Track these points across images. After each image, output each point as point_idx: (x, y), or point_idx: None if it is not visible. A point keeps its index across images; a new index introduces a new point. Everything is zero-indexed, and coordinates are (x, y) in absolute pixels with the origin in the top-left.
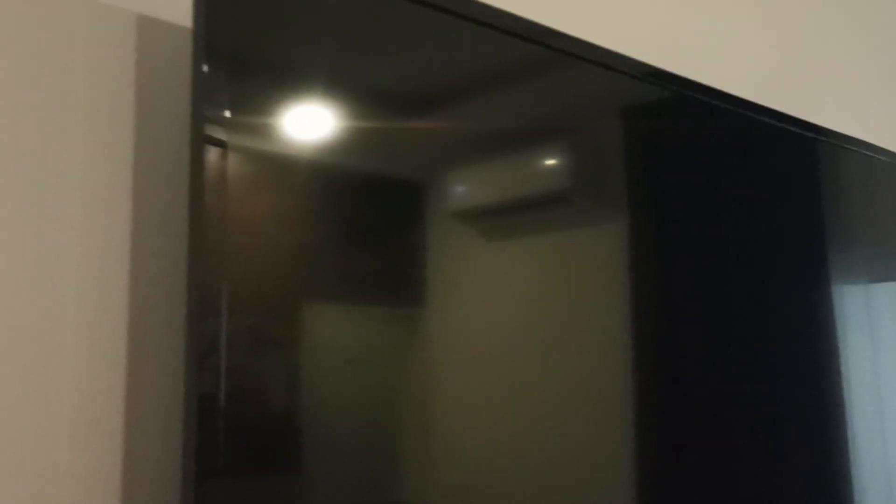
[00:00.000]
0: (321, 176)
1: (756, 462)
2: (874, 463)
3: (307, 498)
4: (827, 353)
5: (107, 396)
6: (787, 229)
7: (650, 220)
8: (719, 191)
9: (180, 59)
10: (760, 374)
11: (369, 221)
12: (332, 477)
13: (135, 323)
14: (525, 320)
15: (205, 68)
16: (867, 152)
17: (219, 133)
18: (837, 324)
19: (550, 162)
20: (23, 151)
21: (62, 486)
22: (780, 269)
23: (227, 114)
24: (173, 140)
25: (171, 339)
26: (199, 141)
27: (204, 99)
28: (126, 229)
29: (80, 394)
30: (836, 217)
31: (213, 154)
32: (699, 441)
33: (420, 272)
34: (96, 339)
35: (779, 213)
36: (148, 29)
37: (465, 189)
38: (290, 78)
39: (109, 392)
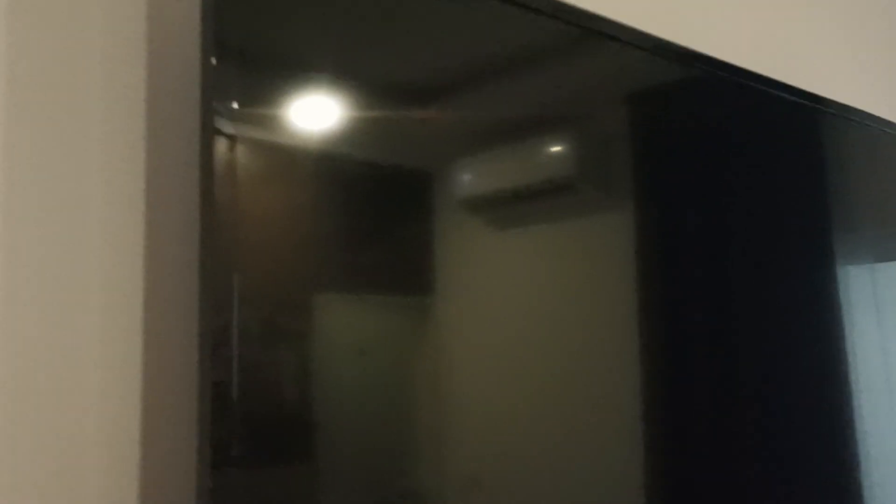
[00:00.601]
0: (331, 167)
1: (763, 444)
2: (884, 445)
3: (320, 487)
4: (833, 335)
5: (124, 391)
6: (793, 210)
7: (653, 206)
8: (725, 172)
9: (190, 41)
10: (766, 357)
11: (378, 212)
12: (345, 466)
13: (150, 316)
14: (534, 309)
15: (213, 61)
16: (874, 125)
17: (228, 125)
18: (843, 305)
19: (556, 149)
20: (36, 141)
21: (82, 476)
22: (786, 252)
23: (237, 106)
24: (185, 127)
25: (186, 331)
26: (209, 133)
27: (213, 92)
28: (139, 221)
29: (97, 390)
30: (841, 194)
31: (222, 146)
32: (707, 425)
33: (428, 262)
34: (112, 333)
35: (785, 194)
36: (158, 9)
37: (472, 178)
38: (299, 68)
39: (126, 387)
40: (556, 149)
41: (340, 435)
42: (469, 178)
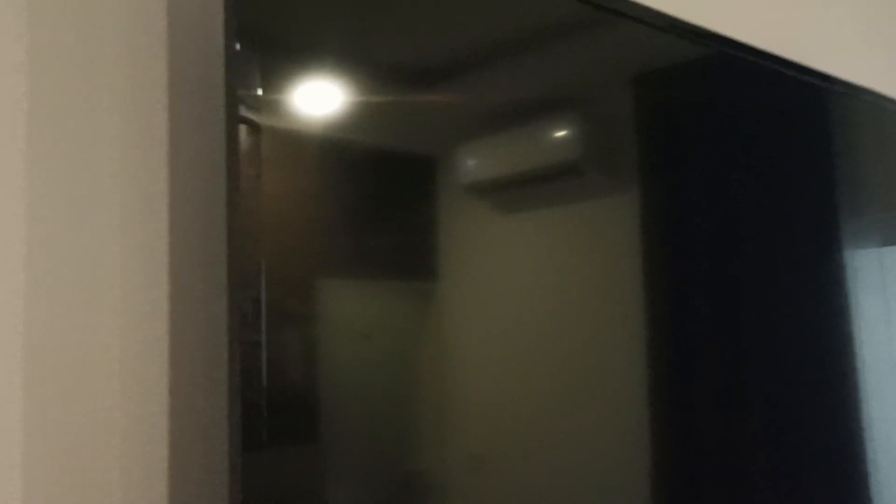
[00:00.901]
0: (357, 152)
1: (768, 426)
2: (893, 432)
3: (348, 468)
4: (840, 320)
5: (150, 378)
6: (803, 193)
7: (660, 189)
8: (734, 153)
9: (212, 27)
10: (773, 341)
11: (406, 196)
12: (372, 447)
13: (175, 306)
14: (539, 293)
15: (237, 47)
16: (885, 105)
17: (253, 112)
18: (850, 289)
19: (564, 132)
20: (60, 132)
21: (112, 462)
22: (794, 236)
23: (261, 92)
24: (207, 117)
25: (210, 320)
26: (234, 120)
27: (237, 78)
28: (163, 210)
29: (124, 381)
30: (851, 176)
31: (247, 133)
32: (711, 409)
33: (442, 247)
34: (138, 322)
35: (794, 176)
36: None
37: (482, 162)
38: (323, 54)
39: (153, 378)
40: (563, 132)
41: (366, 416)
42: (481, 163)
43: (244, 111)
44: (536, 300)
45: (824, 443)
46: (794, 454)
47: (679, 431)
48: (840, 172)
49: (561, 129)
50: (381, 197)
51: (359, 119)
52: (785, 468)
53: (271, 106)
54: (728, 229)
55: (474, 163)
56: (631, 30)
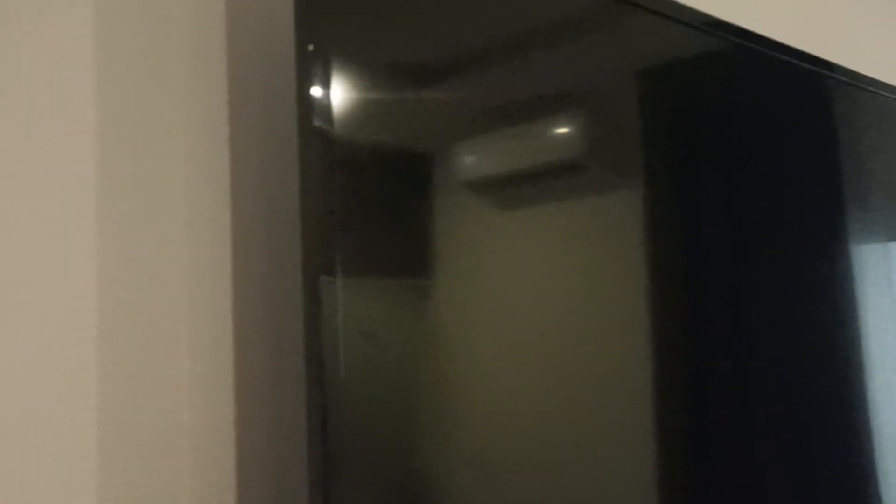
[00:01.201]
0: (426, 155)
1: (774, 423)
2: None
3: (424, 468)
4: (847, 317)
5: (218, 386)
6: (812, 188)
7: (665, 185)
8: (741, 148)
9: (273, 29)
10: (780, 338)
11: (464, 197)
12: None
13: (239, 312)
14: (546, 292)
15: (310, 47)
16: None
17: (325, 115)
18: (857, 285)
19: (570, 128)
20: (126, 139)
21: (182, 464)
22: (803, 233)
23: (333, 94)
24: (268, 120)
25: (275, 318)
26: (307, 124)
27: (309, 79)
28: (226, 218)
29: (191, 390)
30: (858, 170)
31: (319, 135)
32: (718, 407)
33: (503, 247)
34: (205, 328)
35: (804, 170)
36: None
37: (493, 158)
38: (391, 54)
39: (221, 382)
40: (570, 128)
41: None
42: (492, 159)
43: (316, 113)
44: (540, 298)
45: (831, 439)
46: (801, 451)
47: (685, 430)
48: (849, 166)
49: (568, 125)
50: (452, 197)
51: (428, 120)
52: (792, 465)
53: (343, 107)
54: (737, 225)
55: (509, 160)
56: (638, 21)
